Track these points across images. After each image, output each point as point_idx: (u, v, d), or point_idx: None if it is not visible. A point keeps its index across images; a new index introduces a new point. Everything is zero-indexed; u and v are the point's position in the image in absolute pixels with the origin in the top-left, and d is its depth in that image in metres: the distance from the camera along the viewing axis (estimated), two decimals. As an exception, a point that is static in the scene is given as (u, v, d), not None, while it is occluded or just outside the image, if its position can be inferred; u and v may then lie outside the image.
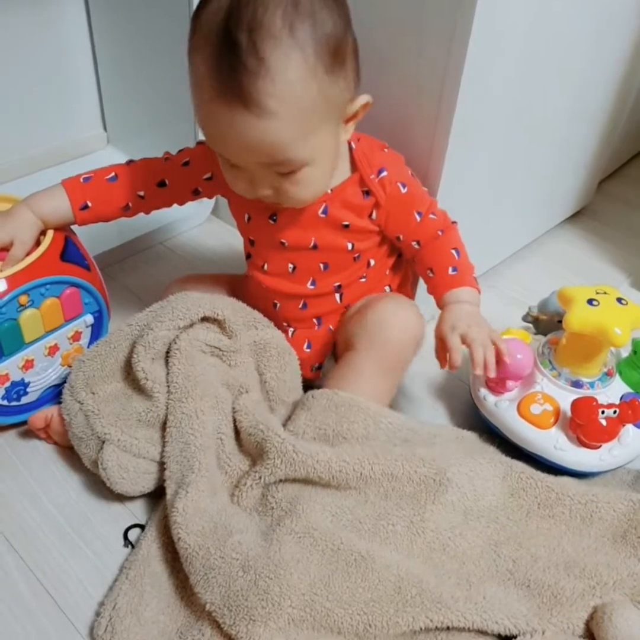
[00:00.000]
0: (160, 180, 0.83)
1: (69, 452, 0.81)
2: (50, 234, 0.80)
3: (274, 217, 0.79)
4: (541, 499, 0.75)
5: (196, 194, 0.85)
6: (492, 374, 0.75)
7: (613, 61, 1.04)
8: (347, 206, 0.78)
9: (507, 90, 0.85)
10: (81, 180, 0.81)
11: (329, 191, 0.77)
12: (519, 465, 0.77)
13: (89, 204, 0.81)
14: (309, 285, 0.83)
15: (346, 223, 0.78)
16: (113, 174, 0.82)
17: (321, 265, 0.81)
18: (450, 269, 0.80)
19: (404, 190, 0.78)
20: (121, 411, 0.76)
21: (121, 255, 1.12)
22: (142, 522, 0.74)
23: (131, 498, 0.76)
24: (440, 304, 0.80)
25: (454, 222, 0.83)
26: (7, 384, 0.78)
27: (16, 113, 1.19)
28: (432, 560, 0.70)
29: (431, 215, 0.81)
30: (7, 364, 0.77)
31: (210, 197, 0.91)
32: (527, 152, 0.99)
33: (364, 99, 0.71)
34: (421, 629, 0.64)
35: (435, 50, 0.76)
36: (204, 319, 0.80)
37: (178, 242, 1.18)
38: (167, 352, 0.78)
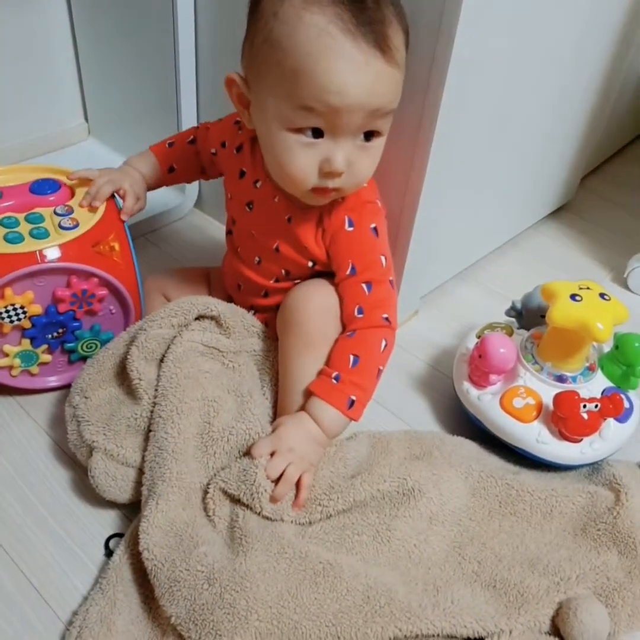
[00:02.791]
0: (208, 148, 0.87)
1: (56, 447, 0.80)
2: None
3: (250, 205, 0.80)
4: (502, 497, 0.75)
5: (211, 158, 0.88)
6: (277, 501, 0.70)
7: (595, 60, 1.05)
8: (308, 224, 0.77)
9: (489, 89, 0.85)
10: (166, 145, 0.89)
11: (298, 208, 0.76)
12: (478, 465, 0.78)
13: (175, 167, 0.89)
14: (272, 281, 0.83)
15: (305, 245, 0.77)
16: (191, 137, 0.89)
17: (283, 271, 0.81)
18: (333, 375, 0.73)
19: (348, 228, 0.75)
20: (111, 417, 0.75)
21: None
22: (127, 527, 0.73)
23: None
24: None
25: (389, 325, 0.76)
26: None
27: (-4, 103, 1.18)
28: (399, 568, 0.69)
29: (366, 285, 0.75)
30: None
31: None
32: (510, 149, 1.00)
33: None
34: (390, 639, 0.63)
35: (419, 48, 0.75)
36: (200, 318, 0.80)
37: (161, 234, 1.17)
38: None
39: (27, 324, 0.77)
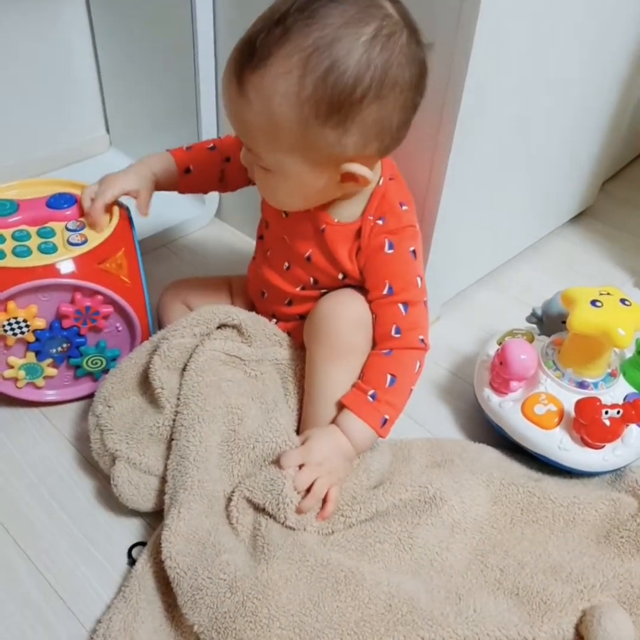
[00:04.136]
0: (227, 156, 0.87)
1: (80, 456, 0.81)
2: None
3: (286, 212, 0.80)
4: (523, 505, 0.75)
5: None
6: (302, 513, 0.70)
7: (615, 65, 1.05)
8: (343, 240, 0.77)
9: (509, 94, 0.85)
10: (185, 148, 0.88)
11: (335, 221, 0.77)
12: (499, 472, 0.78)
13: (191, 169, 0.87)
14: (298, 288, 0.83)
15: (337, 259, 0.78)
16: (212, 144, 0.88)
17: (311, 279, 0.81)
18: (370, 393, 0.74)
19: (388, 251, 0.75)
20: (134, 426, 0.76)
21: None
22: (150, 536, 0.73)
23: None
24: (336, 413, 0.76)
25: (424, 347, 0.77)
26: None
27: (19, 116, 1.19)
28: (421, 576, 0.69)
29: (402, 306, 0.75)
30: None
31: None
32: (531, 155, 0.99)
33: (360, 169, 0.69)
34: None
35: (438, 58, 0.75)
36: (221, 327, 0.81)
37: (182, 244, 1.18)
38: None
39: (30, 337, 0.78)
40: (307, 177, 0.70)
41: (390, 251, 0.75)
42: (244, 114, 0.67)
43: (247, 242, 1.17)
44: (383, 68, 0.63)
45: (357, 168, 0.69)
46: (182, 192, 0.89)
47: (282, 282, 0.83)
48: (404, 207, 0.76)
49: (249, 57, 0.64)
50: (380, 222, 0.75)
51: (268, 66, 0.63)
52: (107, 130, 1.33)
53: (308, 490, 0.70)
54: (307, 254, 0.79)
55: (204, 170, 0.88)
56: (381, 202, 0.75)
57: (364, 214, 0.76)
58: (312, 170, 0.69)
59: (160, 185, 0.85)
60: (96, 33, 1.21)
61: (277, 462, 0.71)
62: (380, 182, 0.76)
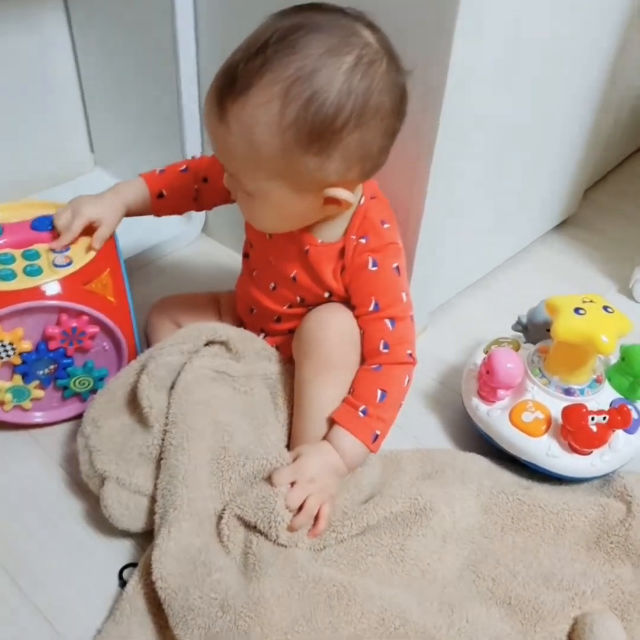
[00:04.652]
0: (204, 177, 0.87)
1: (68, 479, 0.81)
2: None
3: (270, 233, 0.80)
4: (514, 513, 0.75)
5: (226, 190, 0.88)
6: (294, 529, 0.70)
7: (593, 74, 1.06)
8: (327, 259, 0.78)
9: (490, 106, 0.86)
10: (157, 172, 0.88)
11: (319, 241, 0.77)
12: (489, 481, 0.78)
13: (165, 193, 0.87)
14: (285, 307, 0.84)
15: (322, 278, 0.78)
16: (184, 166, 0.88)
17: (298, 298, 0.82)
18: (361, 408, 0.75)
19: (372, 268, 0.76)
20: (123, 446, 0.75)
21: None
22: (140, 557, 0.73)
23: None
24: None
25: (412, 362, 0.78)
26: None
27: (2, 138, 1.19)
28: (413, 588, 0.69)
29: (389, 321, 0.76)
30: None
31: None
32: (514, 165, 1.00)
33: (342, 194, 0.70)
34: None
35: (416, 76, 0.75)
36: (209, 344, 0.81)
37: (169, 261, 1.18)
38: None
39: (17, 360, 0.78)
40: (290, 202, 0.70)
41: (374, 268, 0.76)
42: (225, 141, 0.67)
43: (234, 258, 1.17)
44: (364, 96, 0.64)
45: (339, 192, 0.70)
46: (157, 215, 0.89)
47: (269, 301, 0.84)
48: (386, 225, 0.77)
49: (229, 87, 0.65)
50: (363, 240, 0.76)
51: (249, 96, 0.64)
52: (92, 151, 1.34)
53: (300, 507, 0.70)
54: (292, 275, 0.80)
55: (176, 194, 0.88)
56: (363, 221, 0.76)
57: (347, 234, 0.76)
58: (294, 195, 0.70)
59: (133, 212, 0.86)
60: (79, 53, 1.22)
61: (268, 479, 0.71)
62: (362, 202, 0.77)
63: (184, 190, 0.88)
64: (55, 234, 0.82)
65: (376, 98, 0.65)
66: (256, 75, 0.63)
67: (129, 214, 0.85)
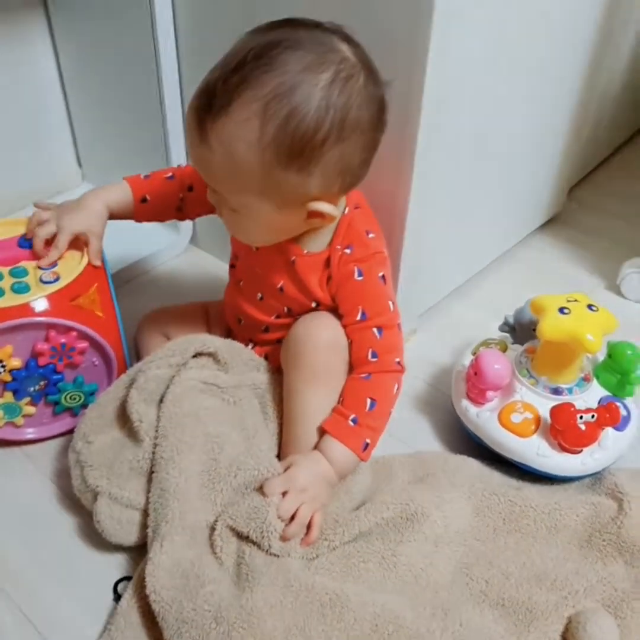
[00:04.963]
0: (189, 185, 0.87)
1: (61, 494, 0.81)
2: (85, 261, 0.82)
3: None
4: (505, 514, 0.76)
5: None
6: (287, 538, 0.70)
7: (574, 73, 1.07)
8: (313, 270, 0.78)
9: (470, 108, 0.87)
10: (142, 177, 0.87)
11: (305, 252, 0.78)
12: (481, 483, 0.78)
13: (148, 198, 0.86)
14: (273, 317, 0.84)
15: (309, 288, 0.79)
16: (171, 173, 0.88)
17: (285, 308, 0.82)
18: (351, 417, 0.75)
19: (358, 278, 0.76)
20: (114, 461, 0.76)
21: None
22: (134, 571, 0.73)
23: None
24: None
25: (401, 370, 0.78)
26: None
27: (-11, 154, 1.20)
28: (406, 593, 0.69)
29: (377, 330, 0.76)
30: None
31: None
32: (495, 165, 1.01)
33: (325, 207, 0.70)
34: None
35: (397, 73, 0.76)
36: (197, 356, 0.81)
37: (158, 273, 1.18)
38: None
39: (7, 377, 0.78)
40: (273, 217, 0.71)
41: (360, 278, 0.76)
42: (207, 159, 0.68)
43: (222, 268, 1.17)
44: (342, 111, 0.65)
45: (322, 206, 0.70)
46: (138, 221, 0.89)
47: (256, 311, 0.84)
48: (371, 235, 0.78)
49: (208, 106, 0.65)
50: (348, 251, 0.76)
51: (228, 114, 0.64)
52: (79, 165, 1.34)
53: (292, 517, 0.70)
54: (279, 285, 0.80)
55: (160, 200, 0.87)
56: (348, 231, 0.77)
57: (332, 244, 0.77)
58: (277, 210, 0.70)
59: (115, 215, 0.85)
60: (63, 69, 1.22)
61: (260, 490, 0.71)
62: (346, 211, 0.77)
63: (167, 198, 0.88)
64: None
65: (355, 113, 0.66)
66: (234, 93, 0.63)
67: (111, 217, 0.85)
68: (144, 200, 0.86)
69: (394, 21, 0.75)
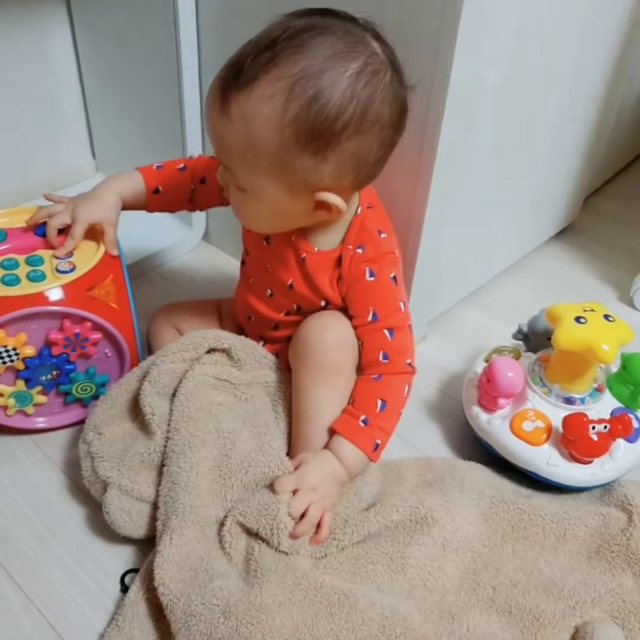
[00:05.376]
0: (202, 177, 0.87)
1: (71, 484, 0.81)
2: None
3: (268, 240, 0.81)
4: (514, 522, 0.75)
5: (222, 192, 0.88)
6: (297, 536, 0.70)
7: (593, 80, 1.07)
8: (324, 268, 0.78)
9: (489, 115, 0.87)
10: (154, 167, 0.87)
11: (316, 250, 0.78)
12: (490, 490, 0.78)
13: (161, 189, 0.87)
14: (282, 314, 0.84)
15: (319, 286, 0.78)
16: (182, 165, 0.88)
17: (294, 306, 0.82)
18: (361, 418, 0.75)
19: (369, 278, 0.76)
20: (125, 453, 0.76)
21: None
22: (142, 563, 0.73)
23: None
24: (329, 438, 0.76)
25: (412, 371, 0.78)
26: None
27: (4, 144, 1.20)
28: (414, 596, 0.69)
29: (388, 331, 0.76)
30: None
31: None
32: (514, 173, 1.01)
33: (334, 199, 0.70)
34: None
35: (419, 86, 0.75)
36: (211, 351, 0.81)
37: (169, 268, 1.18)
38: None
39: (20, 365, 0.78)
40: (281, 201, 0.71)
41: (371, 279, 0.76)
42: (225, 133, 0.68)
43: (234, 265, 1.17)
44: (366, 103, 0.65)
45: (330, 197, 0.70)
46: (149, 211, 0.89)
47: (266, 309, 0.84)
48: (383, 235, 0.78)
49: (235, 78, 0.65)
50: (359, 250, 0.76)
51: (253, 88, 0.64)
52: (94, 156, 1.34)
53: (302, 515, 0.70)
54: (289, 282, 0.80)
55: (173, 191, 0.88)
56: (360, 231, 0.77)
57: (344, 243, 0.77)
58: (286, 194, 0.70)
59: (128, 205, 0.86)
60: (81, 59, 1.23)
61: (270, 487, 0.71)
62: (359, 211, 0.77)
63: (179, 189, 0.88)
64: (59, 238, 0.81)
65: (377, 107, 0.66)
66: (263, 69, 0.64)
67: (124, 207, 0.85)
68: (156, 191, 0.87)
69: (421, 22, 0.75)
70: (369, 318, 0.77)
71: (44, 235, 0.82)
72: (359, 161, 0.68)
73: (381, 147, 0.69)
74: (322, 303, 0.80)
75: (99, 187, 0.85)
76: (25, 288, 0.76)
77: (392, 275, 0.77)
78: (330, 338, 0.77)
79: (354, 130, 0.66)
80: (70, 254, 0.80)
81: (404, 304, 0.78)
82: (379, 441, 0.75)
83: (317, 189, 0.69)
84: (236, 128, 0.66)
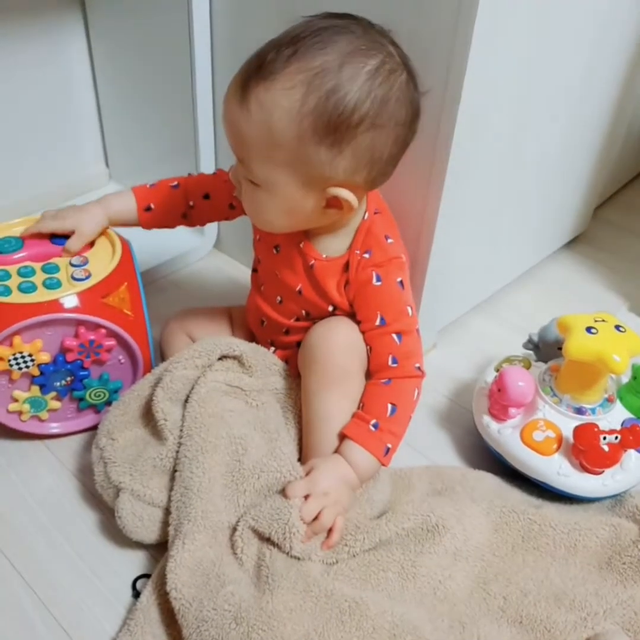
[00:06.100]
0: (205, 193, 0.89)
1: (83, 489, 0.82)
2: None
3: (278, 248, 0.82)
4: (524, 532, 0.75)
5: (232, 208, 0.89)
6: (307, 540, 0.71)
7: (605, 88, 1.07)
8: (332, 274, 0.79)
9: (501, 124, 0.87)
10: (148, 185, 0.89)
11: (324, 256, 0.78)
12: (500, 500, 0.78)
13: (152, 206, 0.88)
14: (292, 320, 0.85)
15: (327, 292, 0.79)
16: (176, 182, 0.90)
17: (303, 312, 0.83)
18: (372, 422, 0.75)
19: (376, 283, 0.77)
20: (137, 458, 0.76)
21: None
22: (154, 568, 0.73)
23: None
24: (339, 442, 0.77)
25: (421, 375, 0.78)
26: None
27: (19, 152, 1.21)
28: (424, 605, 0.69)
29: (396, 336, 0.77)
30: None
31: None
32: (524, 183, 1.01)
33: (346, 195, 0.71)
34: None
35: (432, 91, 0.77)
36: (223, 358, 0.82)
37: (181, 276, 1.19)
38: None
39: (35, 371, 0.79)
40: (294, 196, 0.71)
41: (378, 283, 0.77)
42: (242, 124, 0.69)
43: (245, 273, 1.18)
44: (382, 100, 0.67)
45: (343, 193, 0.71)
46: (145, 228, 0.90)
47: (276, 314, 0.85)
48: (390, 240, 0.78)
49: (256, 70, 0.67)
50: (366, 255, 0.77)
51: (274, 80, 0.66)
52: (107, 165, 1.35)
53: (314, 520, 0.71)
54: (298, 288, 0.81)
55: (165, 208, 0.89)
56: (367, 236, 0.77)
57: (351, 248, 0.78)
58: (300, 189, 0.71)
59: (117, 222, 0.88)
60: (96, 67, 1.24)
61: (282, 492, 0.72)
62: (366, 217, 0.78)
63: (172, 206, 0.90)
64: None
65: (393, 105, 0.68)
66: (284, 63, 0.65)
67: (113, 224, 0.87)
68: (148, 208, 0.89)
69: (434, 30, 0.76)
70: (377, 322, 0.77)
71: (60, 243, 0.83)
72: (373, 157, 0.69)
73: (395, 145, 0.70)
74: (330, 308, 0.81)
75: (91, 202, 0.87)
76: (41, 295, 0.77)
77: (399, 279, 0.78)
78: (337, 343, 0.78)
79: (370, 124, 0.67)
80: (85, 261, 0.81)
81: (412, 309, 0.79)
82: (389, 445, 0.75)
83: (330, 183, 0.70)
84: (255, 119, 0.67)
